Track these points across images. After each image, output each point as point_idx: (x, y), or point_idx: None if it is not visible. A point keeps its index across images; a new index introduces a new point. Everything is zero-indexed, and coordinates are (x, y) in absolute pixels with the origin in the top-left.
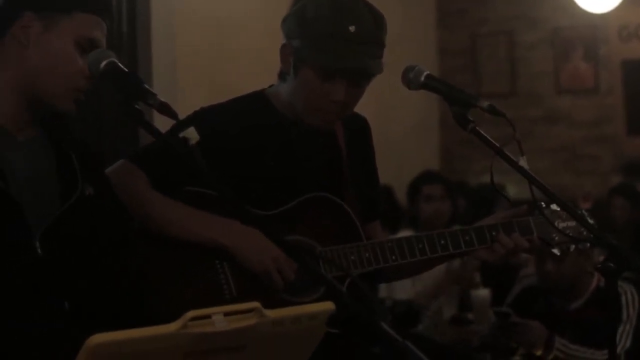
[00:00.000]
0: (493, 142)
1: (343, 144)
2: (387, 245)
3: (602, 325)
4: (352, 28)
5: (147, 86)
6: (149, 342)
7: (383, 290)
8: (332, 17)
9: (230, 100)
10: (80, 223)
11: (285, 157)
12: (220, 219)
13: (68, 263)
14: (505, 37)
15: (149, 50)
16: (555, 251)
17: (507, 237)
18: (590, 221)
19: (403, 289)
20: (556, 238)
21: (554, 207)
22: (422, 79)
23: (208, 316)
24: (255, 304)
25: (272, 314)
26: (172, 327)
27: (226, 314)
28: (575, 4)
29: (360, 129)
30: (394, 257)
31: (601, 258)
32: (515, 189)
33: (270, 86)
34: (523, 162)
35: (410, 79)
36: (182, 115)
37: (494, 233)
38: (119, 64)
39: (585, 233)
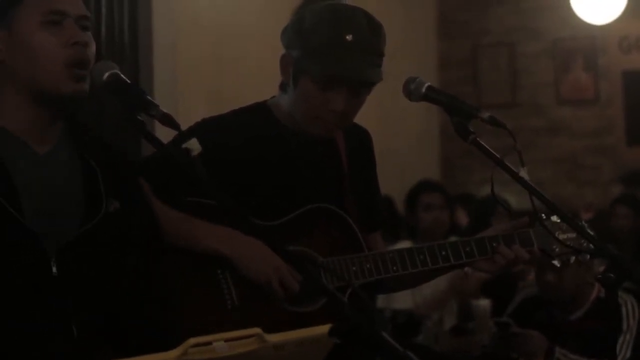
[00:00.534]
0: (494, 153)
1: (344, 155)
2: (389, 256)
3: (602, 335)
4: (349, 37)
5: (149, 97)
6: None
7: (381, 300)
8: (329, 27)
9: (232, 111)
10: (102, 242)
11: (286, 168)
12: (222, 229)
13: (83, 284)
14: (506, 48)
15: (150, 61)
16: (556, 262)
17: (508, 248)
18: (591, 232)
19: (402, 300)
20: (556, 249)
21: (554, 218)
22: (423, 90)
23: (209, 343)
24: (256, 330)
25: (273, 338)
26: (172, 354)
27: (227, 340)
28: (575, 16)
29: (361, 141)
30: (395, 268)
31: (601, 269)
32: (514, 199)
33: (272, 97)
34: (524, 173)
35: (411, 91)
36: (184, 126)
37: (494, 244)
38: (122, 75)
39: (585, 244)
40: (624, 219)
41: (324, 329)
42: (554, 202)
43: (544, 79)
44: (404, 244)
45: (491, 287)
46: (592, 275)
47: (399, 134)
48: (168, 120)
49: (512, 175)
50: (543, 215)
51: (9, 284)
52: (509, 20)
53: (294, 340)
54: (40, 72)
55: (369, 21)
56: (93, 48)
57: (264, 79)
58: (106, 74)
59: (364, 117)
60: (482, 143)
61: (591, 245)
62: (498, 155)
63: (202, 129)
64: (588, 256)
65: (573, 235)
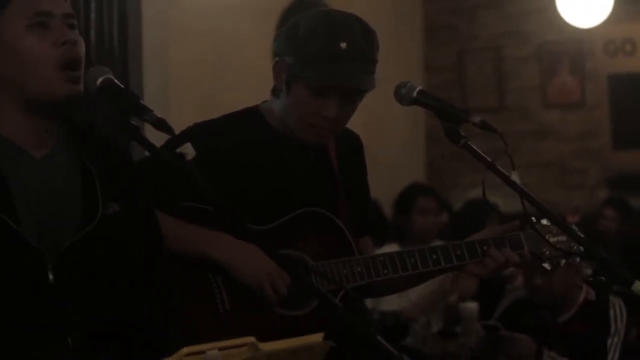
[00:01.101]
0: (485, 157)
1: (335, 159)
2: (379, 260)
3: (591, 338)
4: (343, 45)
5: (143, 102)
6: None
7: (368, 303)
8: (324, 34)
9: (223, 116)
10: (100, 246)
11: (278, 173)
12: (213, 233)
13: (80, 292)
14: (493, 52)
15: (140, 66)
16: (546, 265)
17: (498, 251)
18: (581, 235)
19: (388, 302)
20: (547, 252)
21: (544, 221)
22: (415, 94)
23: (202, 352)
24: (250, 339)
25: (267, 347)
26: None
27: (221, 349)
28: (561, 19)
29: (352, 145)
30: (385, 271)
31: (589, 271)
32: (501, 202)
33: (264, 102)
34: (515, 177)
35: (402, 95)
36: (175, 130)
37: (485, 247)
38: (115, 80)
39: (575, 247)
40: (611, 222)
41: (317, 337)
42: (545, 205)
43: (530, 83)
44: (392, 247)
45: (479, 290)
46: (580, 278)
47: (385, 138)
48: (162, 125)
49: (503, 179)
50: (533, 218)
51: (4, 293)
52: (495, 24)
53: (288, 349)
54: (32, 79)
55: (363, 28)
56: (82, 46)
57: (256, 84)
58: (100, 79)
59: (349, 121)
60: (474, 147)
61: (581, 248)
62: (489, 159)
63: (194, 133)
64: (578, 259)
65: (563, 238)
